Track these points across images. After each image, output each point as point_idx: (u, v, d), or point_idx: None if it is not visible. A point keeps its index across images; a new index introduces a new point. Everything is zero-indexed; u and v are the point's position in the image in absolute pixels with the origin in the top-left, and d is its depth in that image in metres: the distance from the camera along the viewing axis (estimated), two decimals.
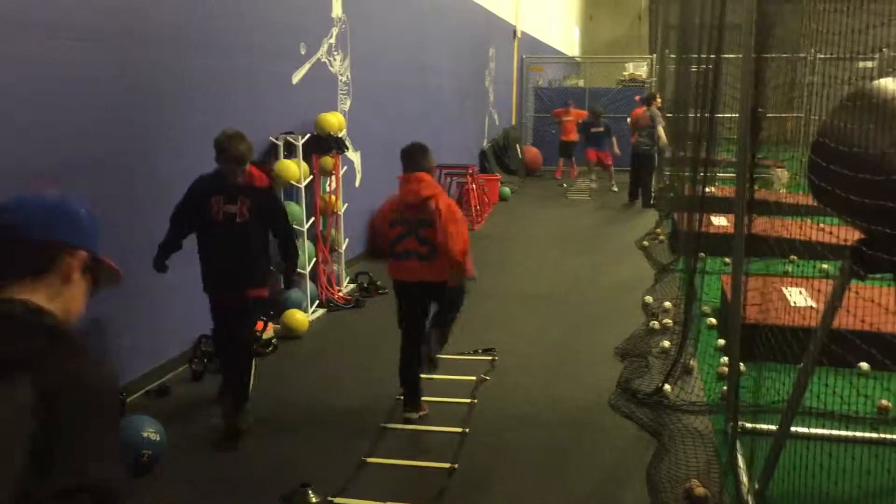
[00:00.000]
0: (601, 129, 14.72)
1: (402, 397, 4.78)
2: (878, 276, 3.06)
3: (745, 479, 3.82)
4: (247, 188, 4.56)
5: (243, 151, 4.52)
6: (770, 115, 4.47)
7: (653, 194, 13.17)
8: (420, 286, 4.56)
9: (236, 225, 4.53)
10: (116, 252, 4.88)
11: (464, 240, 4.45)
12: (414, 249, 4.49)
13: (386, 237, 4.63)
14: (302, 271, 6.65)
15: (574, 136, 15.97)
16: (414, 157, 4.61)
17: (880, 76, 2.83)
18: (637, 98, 15.65)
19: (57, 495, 1.32)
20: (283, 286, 6.40)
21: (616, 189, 14.73)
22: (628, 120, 13.87)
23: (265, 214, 4.62)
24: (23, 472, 1.30)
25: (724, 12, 5.18)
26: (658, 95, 13.50)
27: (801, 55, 4.08)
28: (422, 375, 4.78)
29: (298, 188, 6.67)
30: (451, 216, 4.42)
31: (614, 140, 14.79)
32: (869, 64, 3.24)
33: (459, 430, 4.56)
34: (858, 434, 4.19)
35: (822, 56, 3.89)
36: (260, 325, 6.00)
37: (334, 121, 7.17)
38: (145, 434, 4.08)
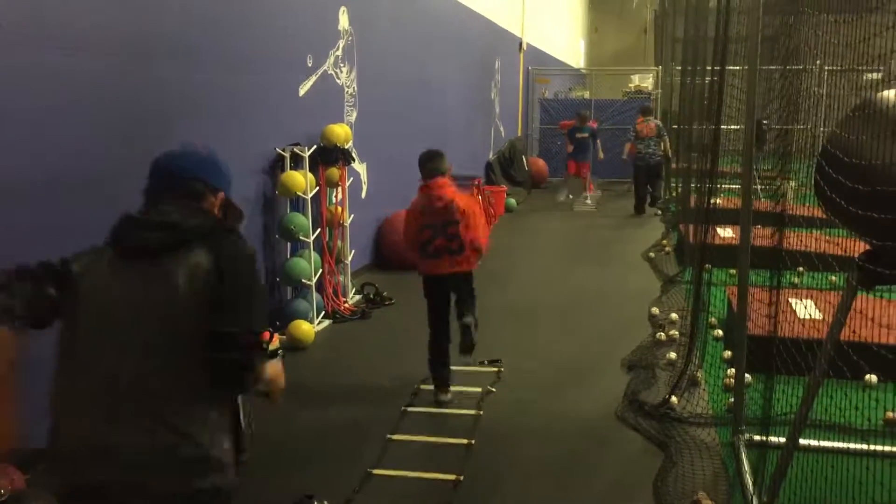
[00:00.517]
0: (586, 135, 14.64)
1: (429, 386, 5.18)
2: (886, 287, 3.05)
3: (752, 491, 3.80)
4: None
5: None
6: (776, 126, 4.47)
7: (661, 198, 13.60)
8: (451, 278, 5.05)
9: None
10: None
11: (485, 229, 5.14)
12: (444, 247, 4.98)
13: (415, 240, 5.08)
14: (308, 282, 6.66)
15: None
16: (433, 162, 5.05)
17: (886, 88, 2.83)
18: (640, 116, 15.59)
19: (225, 335, 1.95)
20: None
21: (590, 203, 14.70)
22: (632, 132, 13.91)
23: None
24: (206, 315, 1.98)
25: (729, 25, 5.19)
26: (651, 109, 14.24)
27: (808, 67, 4.08)
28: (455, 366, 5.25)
29: (305, 199, 6.69)
30: (472, 212, 5.04)
31: (599, 144, 14.86)
32: (875, 75, 3.24)
33: (465, 441, 4.55)
34: (866, 446, 4.16)
35: (829, 68, 3.90)
36: (266, 335, 6.01)
37: (341, 132, 7.20)
38: None
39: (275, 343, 6.29)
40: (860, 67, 2.99)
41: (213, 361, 2.01)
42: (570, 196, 14.89)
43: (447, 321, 5.18)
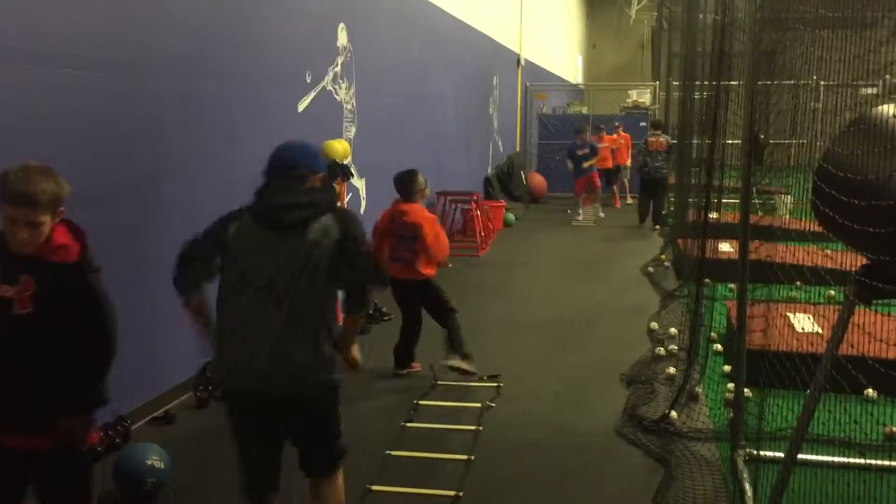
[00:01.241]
0: (586, 150, 14.54)
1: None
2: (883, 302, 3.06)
3: None
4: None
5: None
6: (773, 141, 4.50)
7: (663, 214, 13.68)
8: (408, 283, 5.72)
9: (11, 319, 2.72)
10: (123, 280, 4.92)
11: (444, 244, 5.83)
12: (401, 255, 5.72)
13: (380, 247, 5.64)
14: None
15: (610, 163, 15.75)
16: (402, 185, 5.91)
17: (882, 103, 2.85)
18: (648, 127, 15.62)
19: (354, 267, 2.94)
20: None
21: (602, 215, 14.82)
22: (643, 144, 13.96)
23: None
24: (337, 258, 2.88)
25: (726, 40, 5.22)
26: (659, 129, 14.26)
27: (804, 82, 4.10)
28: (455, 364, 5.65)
29: None
30: (435, 241, 5.65)
31: (588, 163, 14.58)
32: (871, 90, 3.26)
33: (465, 457, 4.53)
34: (866, 461, 4.15)
35: (825, 83, 3.92)
36: None
37: (340, 148, 7.21)
38: (149, 462, 4.07)
39: None
40: (856, 83, 3.01)
41: (349, 285, 3.01)
42: (587, 213, 14.77)
43: (413, 322, 5.95)
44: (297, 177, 3.07)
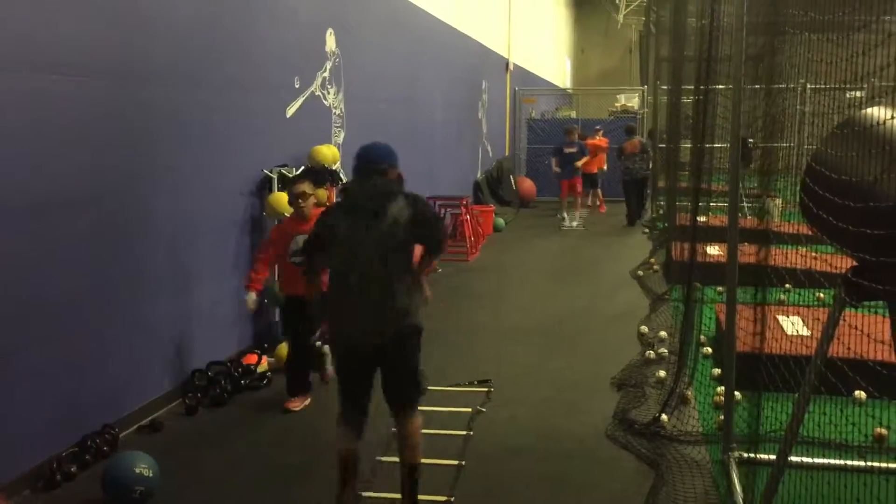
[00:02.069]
0: (574, 149, 14.55)
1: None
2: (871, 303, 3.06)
3: None
4: None
5: None
6: (761, 145, 4.51)
7: (644, 212, 14.36)
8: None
9: None
10: (111, 286, 4.89)
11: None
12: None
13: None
14: None
15: (595, 167, 15.65)
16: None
17: (869, 105, 2.86)
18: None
19: (431, 229, 3.81)
20: None
21: (581, 219, 14.84)
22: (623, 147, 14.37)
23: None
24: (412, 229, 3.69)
25: (713, 44, 5.24)
26: (635, 129, 15.00)
27: (791, 86, 4.12)
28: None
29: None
30: None
31: (580, 163, 14.66)
32: (858, 93, 3.27)
33: (455, 462, 4.52)
34: (857, 463, 4.17)
35: (812, 86, 3.93)
36: (254, 358, 5.98)
37: (328, 153, 7.20)
38: (138, 470, 4.03)
39: (263, 366, 6.27)
40: (844, 86, 3.02)
41: (429, 240, 3.87)
42: (573, 217, 14.74)
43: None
44: (381, 171, 3.83)
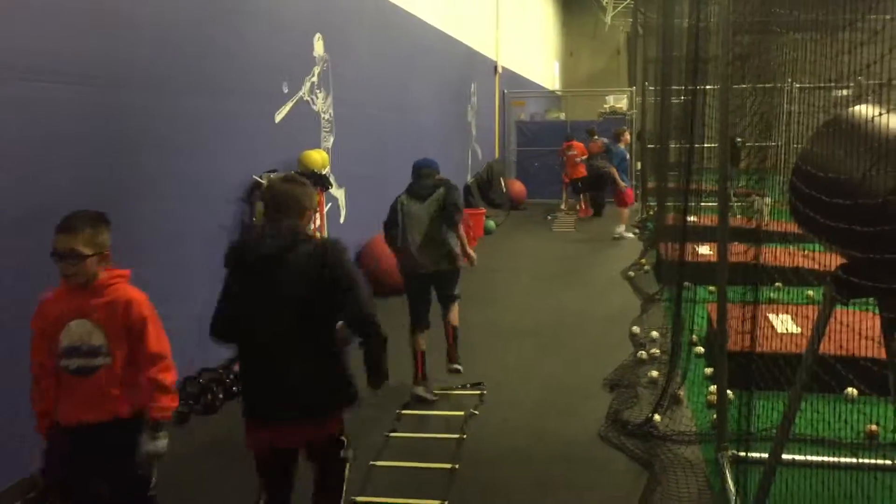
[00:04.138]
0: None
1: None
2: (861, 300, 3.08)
3: None
4: None
5: None
6: (749, 144, 4.53)
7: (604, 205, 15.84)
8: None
9: None
10: None
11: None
12: None
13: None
14: None
15: (584, 171, 15.69)
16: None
17: (856, 103, 2.87)
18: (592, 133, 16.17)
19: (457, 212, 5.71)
20: None
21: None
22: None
23: None
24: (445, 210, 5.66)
25: (700, 45, 5.25)
26: (627, 131, 15.57)
27: (778, 85, 4.14)
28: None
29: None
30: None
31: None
32: (844, 92, 3.29)
33: (449, 466, 4.51)
34: (849, 460, 4.18)
35: (799, 85, 3.94)
36: None
37: (318, 158, 7.19)
38: None
39: None
40: (831, 84, 3.04)
41: (449, 217, 5.64)
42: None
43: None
44: (428, 175, 5.73)
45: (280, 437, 3.09)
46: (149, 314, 3.25)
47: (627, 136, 15.29)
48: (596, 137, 15.56)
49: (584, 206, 16.40)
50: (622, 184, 13.99)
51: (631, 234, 13.43)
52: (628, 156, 15.52)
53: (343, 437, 3.20)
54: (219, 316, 3.11)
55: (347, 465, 3.25)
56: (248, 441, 3.17)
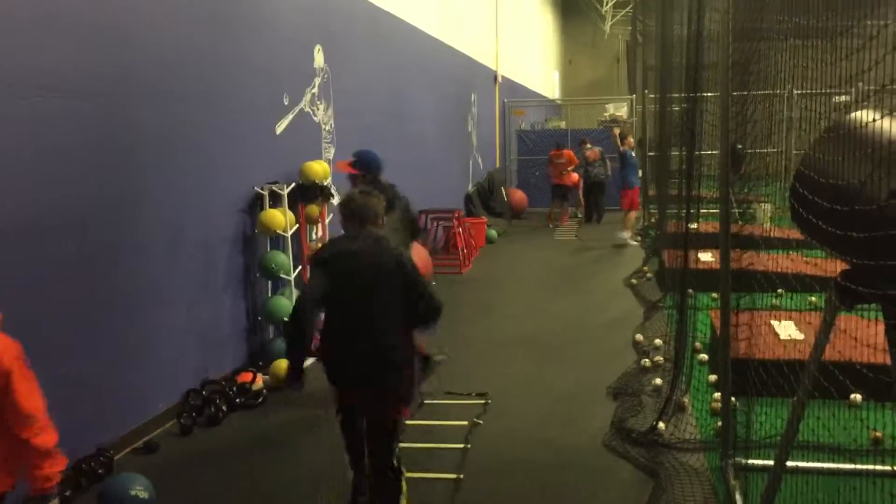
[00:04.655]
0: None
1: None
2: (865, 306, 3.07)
3: None
4: None
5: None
6: (750, 150, 4.53)
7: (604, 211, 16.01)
8: None
9: None
10: (102, 307, 4.86)
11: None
12: None
13: None
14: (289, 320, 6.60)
15: (575, 178, 15.93)
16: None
17: (855, 108, 2.87)
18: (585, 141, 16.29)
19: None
20: None
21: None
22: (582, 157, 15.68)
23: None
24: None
25: (700, 52, 5.26)
26: (630, 135, 15.44)
27: (778, 91, 4.14)
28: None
29: (285, 237, 6.67)
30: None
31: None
32: (844, 97, 3.29)
33: (453, 476, 4.50)
34: (854, 466, 4.16)
35: (799, 91, 3.95)
36: (249, 376, 5.95)
37: (319, 169, 7.20)
38: (133, 492, 4.01)
39: (258, 384, 6.22)
40: (830, 90, 3.04)
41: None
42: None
43: None
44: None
45: (352, 397, 3.69)
46: (15, 366, 2.84)
47: (631, 139, 15.12)
48: (590, 146, 15.76)
49: (567, 214, 16.32)
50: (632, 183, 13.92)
51: (635, 242, 13.39)
52: (633, 155, 15.44)
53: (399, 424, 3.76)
54: (307, 297, 3.58)
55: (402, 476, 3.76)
56: (335, 400, 3.78)
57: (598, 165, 15.46)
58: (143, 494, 4.03)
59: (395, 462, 3.73)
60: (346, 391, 3.71)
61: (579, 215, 16.60)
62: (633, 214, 13.78)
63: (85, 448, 4.60)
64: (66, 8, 4.52)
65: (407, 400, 3.74)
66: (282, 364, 6.21)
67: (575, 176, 15.65)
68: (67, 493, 4.29)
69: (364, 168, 5.23)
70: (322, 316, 3.69)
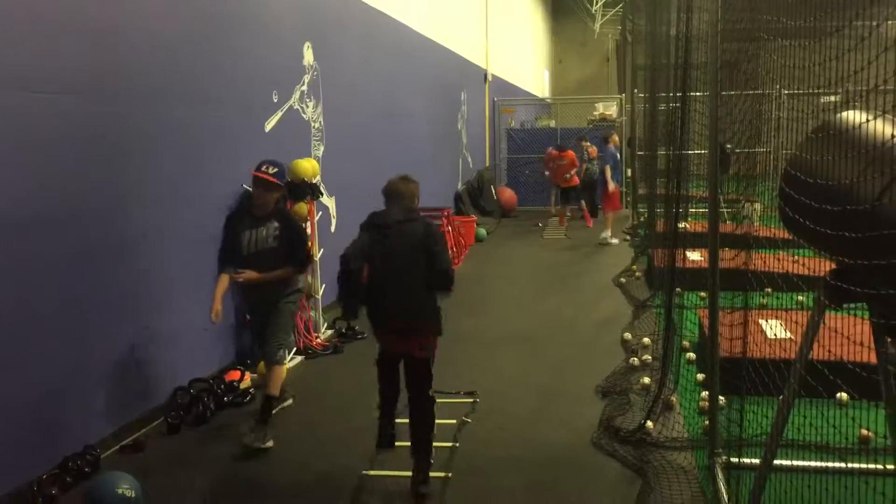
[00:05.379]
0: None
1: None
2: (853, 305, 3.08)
3: None
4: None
5: None
6: (739, 150, 4.54)
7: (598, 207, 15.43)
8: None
9: None
10: (86, 304, 4.83)
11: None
12: None
13: None
14: None
15: (576, 180, 15.08)
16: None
17: (844, 109, 2.88)
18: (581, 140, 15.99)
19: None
20: None
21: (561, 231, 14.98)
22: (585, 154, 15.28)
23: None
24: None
25: (689, 52, 5.27)
26: (615, 133, 15.56)
27: (767, 91, 4.15)
28: None
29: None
30: None
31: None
32: (833, 98, 3.30)
33: (442, 474, 4.50)
34: (842, 465, 4.18)
35: (788, 92, 3.96)
36: (237, 374, 5.93)
37: (308, 167, 7.18)
38: (120, 491, 3.99)
39: (246, 382, 6.19)
40: (819, 90, 3.05)
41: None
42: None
43: None
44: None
45: (391, 344, 4.43)
46: None
47: (616, 138, 15.23)
48: (587, 143, 15.50)
49: (567, 215, 15.79)
50: (612, 184, 13.91)
51: (616, 241, 13.41)
52: (619, 155, 15.49)
53: (431, 361, 4.42)
54: (349, 256, 4.28)
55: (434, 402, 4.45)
56: (378, 340, 4.50)
57: (595, 163, 15.35)
58: (130, 493, 4.01)
59: (430, 391, 4.42)
60: (385, 338, 4.44)
61: (568, 215, 16.38)
62: (612, 215, 13.82)
63: (72, 446, 4.58)
64: (54, 4, 4.48)
65: (435, 336, 4.42)
66: None
67: (576, 178, 14.90)
68: (54, 492, 4.27)
69: (283, 177, 5.43)
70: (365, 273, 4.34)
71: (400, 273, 4.28)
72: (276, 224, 5.25)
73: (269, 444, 4.91)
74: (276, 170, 5.30)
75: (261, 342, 5.37)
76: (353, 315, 4.61)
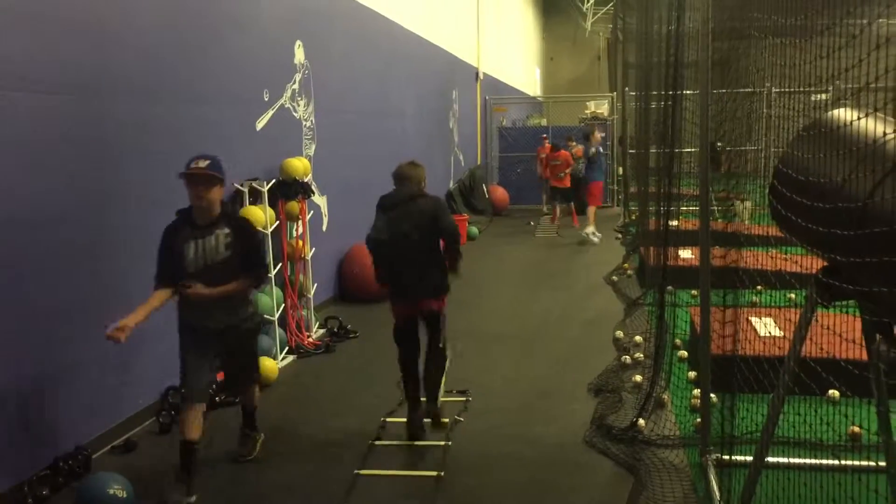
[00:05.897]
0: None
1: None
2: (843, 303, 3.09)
3: None
4: None
5: None
6: (730, 148, 4.55)
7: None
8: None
9: None
10: (80, 303, 4.81)
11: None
12: None
13: None
14: (270, 317, 6.58)
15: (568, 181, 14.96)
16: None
17: (834, 107, 2.89)
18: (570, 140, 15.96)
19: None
20: None
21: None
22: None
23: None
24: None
25: (680, 50, 5.28)
26: (596, 129, 15.52)
27: (758, 90, 4.16)
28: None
29: (265, 234, 6.63)
30: None
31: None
32: (823, 96, 3.31)
33: (435, 473, 4.50)
34: (833, 461, 4.20)
35: (778, 90, 3.97)
36: None
37: (299, 166, 7.17)
38: (111, 492, 3.97)
39: None
40: (809, 88, 3.06)
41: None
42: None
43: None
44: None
45: (409, 308, 5.06)
46: None
47: (598, 135, 14.98)
48: (574, 143, 15.48)
49: (559, 213, 15.87)
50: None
51: (597, 238, 13.36)
52: (602, 149, 15.24)
53: (443, 314, 5.15)
54: (371, 237, 4.93)
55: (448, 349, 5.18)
56: (393, 314, 5.13)
57: (580, 162, 15.37)
58: (122, 493, 4.00)
59: (442, 343, 5.12)
60: (403, 301, 5.04)
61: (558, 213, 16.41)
62: (594, 209, 13.82)
63: (63, 446, 4.56)
64: (45, 4, 4.46)
65: (443, 293, 5.11)
66: (263, 361, 6.17)
67: (569, 179, 14.76)
68: (45, 492, 4.25)
69: (219, 169, 4.45)
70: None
71: (413, 244, 4.86)
72: (226, 230, 4.40)
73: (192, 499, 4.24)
74: (208, 161, 4.36)
75: (227, 382, 4.94)
76: (385, 282, 5.07)
